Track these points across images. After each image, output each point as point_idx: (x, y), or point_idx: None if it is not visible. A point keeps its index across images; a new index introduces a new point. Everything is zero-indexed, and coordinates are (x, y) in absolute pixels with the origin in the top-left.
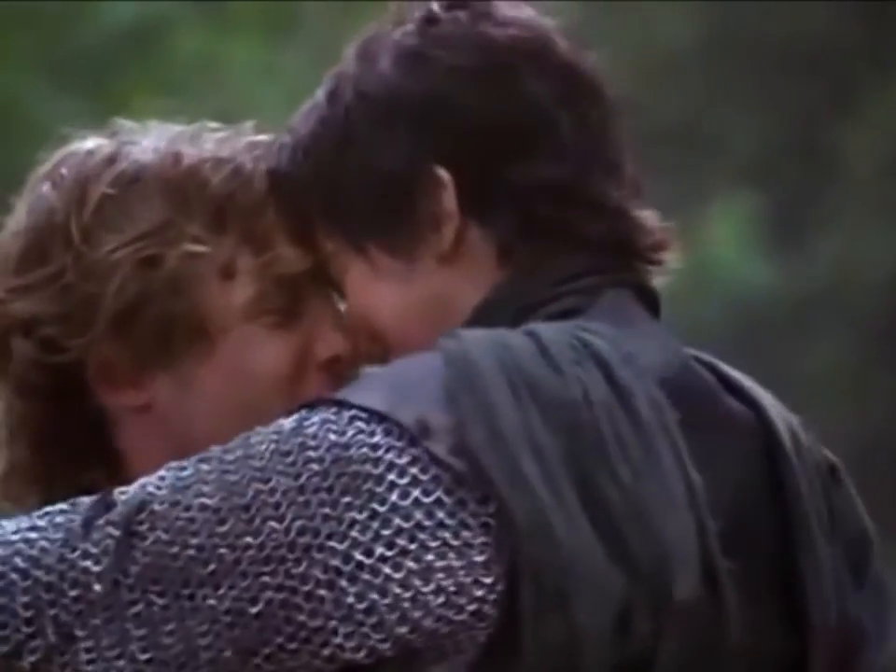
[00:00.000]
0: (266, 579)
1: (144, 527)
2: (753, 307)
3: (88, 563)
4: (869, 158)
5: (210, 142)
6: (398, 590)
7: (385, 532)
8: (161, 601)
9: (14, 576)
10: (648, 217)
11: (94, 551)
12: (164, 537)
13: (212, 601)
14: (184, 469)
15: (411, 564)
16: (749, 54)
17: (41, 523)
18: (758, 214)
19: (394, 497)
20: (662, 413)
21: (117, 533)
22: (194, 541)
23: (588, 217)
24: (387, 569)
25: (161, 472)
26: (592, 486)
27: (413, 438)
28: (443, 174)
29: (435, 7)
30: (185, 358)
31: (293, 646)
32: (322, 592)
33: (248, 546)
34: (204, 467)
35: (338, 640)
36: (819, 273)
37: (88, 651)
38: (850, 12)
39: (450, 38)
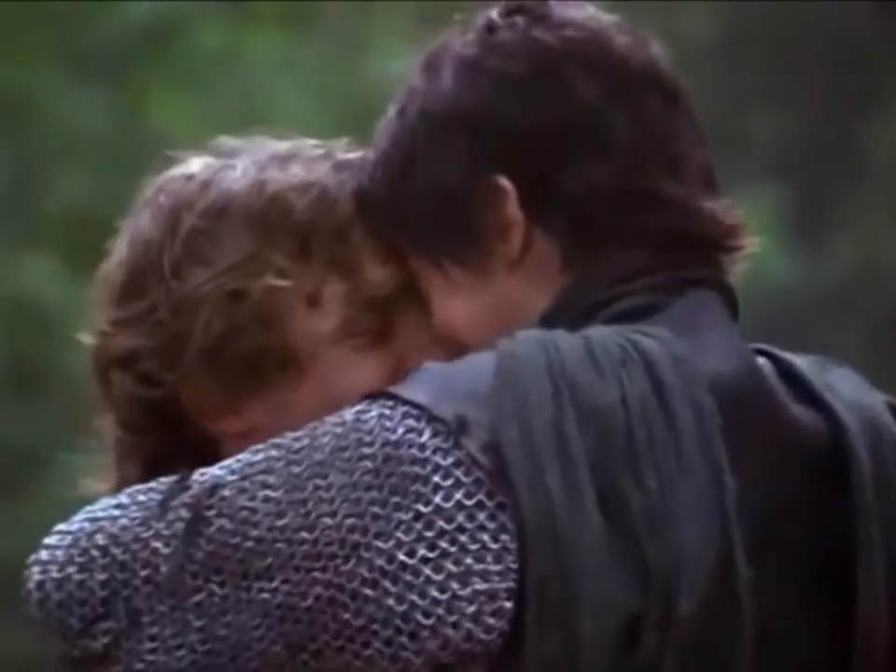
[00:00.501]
0: (317, 574)
1: (211, 513)
2: (775, 302)
3: (158, 544)
4: (892, 154)
5: (300, 164)
6: (435, 593)
7: (428, 534)
8: (220, 591)
9: (95, 553)
10: (717, 206)
11: (166, 532)
12: (228, 526)
13: (266, 594)
14: (257, 452)
15: (451, 567)
16: (771, 50)
17: (125, 500)
18: (780, 209)
19: (437, 498)
20: (703, 418)
21: (187, 516)
22: (254, 533)
23: (646, 214)
24: (427, 571)
25: (239, 456)
26: (615, 492)
27: (459, 440)
28: (505, 182)
29: (494, 14)
30: (277, 386)
31: (338, 643)
32: (366, 591)
33: (303, 541)
34: (274, 453)
35: (377, 644)
36: (841, 268)
37: (151, 638)
38: (875, 8)
39: (506, 47)
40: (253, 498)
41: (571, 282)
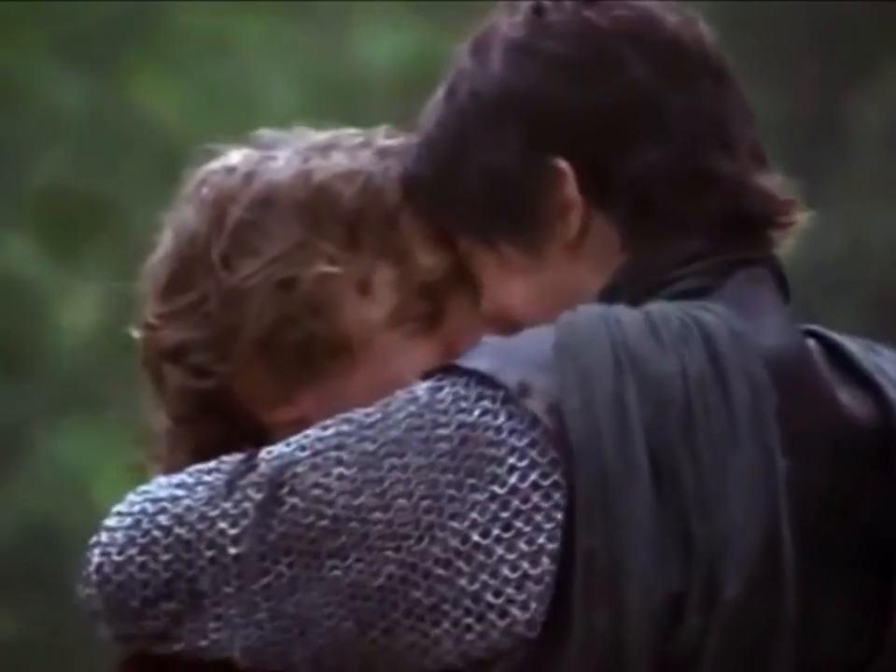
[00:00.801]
0: (390, 553)
1: (283, 491)
2: None
3: (225, 524)
4: (880, 131)
5: (342, 153)
6: (507, 572)
7: (504, 514)
8: (289, 572)
9: (157, 533)
10: (769, 183)
11: (234, 512)
12: (301, 505)
13: (338, 572)
14: (326, 428)
15: (523, 546)
16: (757, 27)
17: (189, 480)
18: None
19: (513, 479)
20: (758, 395)
21: (257, 497)
22: (329, 512)
23: (703, 194)
24: (500, 550)
25: (307, 432)
26: (669, 464)
27: (535, 420)
28: (562, 164)
29: None
30: (329, 374)
31: (408, 622)
32: (439, 570)
33: (378, 521)
34: (346, 428)
35: (446, 625)
36: (828, 247)
37: (216, 618)
38: None
39: (555, 28)
40: (327, 475)
41: (629, 262)
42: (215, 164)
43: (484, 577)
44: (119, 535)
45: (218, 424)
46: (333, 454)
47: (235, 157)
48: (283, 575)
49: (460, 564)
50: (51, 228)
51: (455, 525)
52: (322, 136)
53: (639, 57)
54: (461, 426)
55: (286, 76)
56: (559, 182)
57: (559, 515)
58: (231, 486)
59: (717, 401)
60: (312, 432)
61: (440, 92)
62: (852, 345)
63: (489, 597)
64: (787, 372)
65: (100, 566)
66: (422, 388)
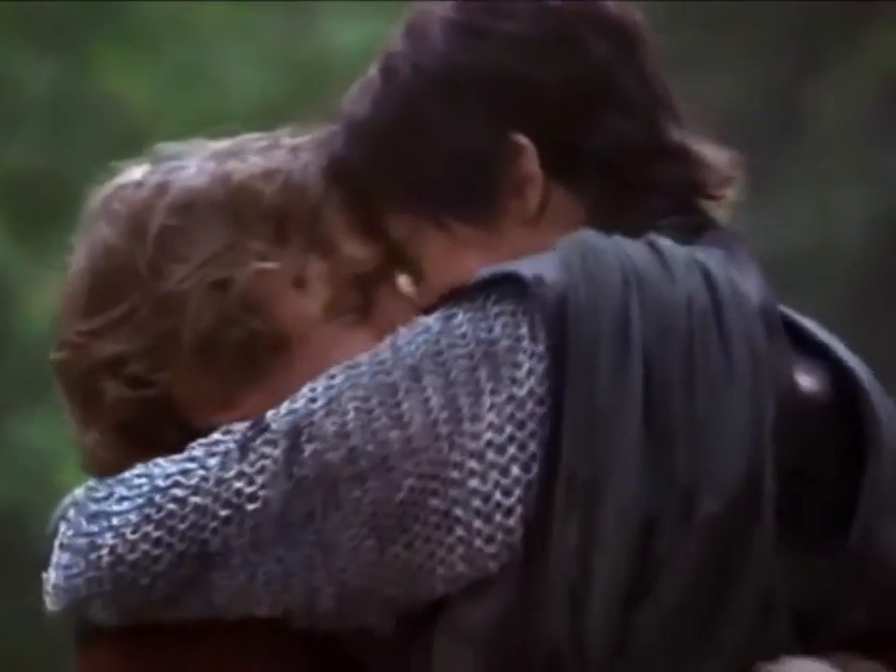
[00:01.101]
0: (409, 467)
1: (302, 439)
2: None
3: (241, 484)
4: (839, 117)
5: (255, 154)
6: (517, 471)
7: (519, 415)
8: (309, 506)
9: (172, 506)
10: (710, 153)
11: (250, 471)
12: (321, 447)
13: (357, 493)
14: (334, 377)
15: (534, 448)
16: (719, 13)
17: (198, 453)
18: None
19: (531, 382)
20: (754, 341)
21: (275, 452)
22: (348, 443)
23: (664, 162)
24: (513, 450)
25: (311, 385)
26: (662, 390)
27: (552, 328)
28: (523, 139)
29: None
30: (271, 372)
31: (426, 532)
32: (454, 474)
33: (396, 440)
34: (356, 371)
35: (459, 531)
36: (795, 231)
37: (232, 570)
38: None
39: (505, 10)
40: (344, 413)
41: (598, 227)
42: (118, 181)
43: (495, 475)
44: (132, 515)
45: (159, 433)
46: (348, 394)
47: (138, 172)
48: (304, 511)
49: (472, 464)
50: (18, 214)
51: (471, 427)
52: (227, 143)
53: (593, 35)
54: (481, 342)
55: (249, 59)
56: (519, 158)
57: None
58: (244, 449)
59: (716, 339)
60: (319, 384)
61: (370, 76)
62: (804, 321)
63: (498, 496)
64: (772, 321)
65: (112, 547)
66: (432, 319)
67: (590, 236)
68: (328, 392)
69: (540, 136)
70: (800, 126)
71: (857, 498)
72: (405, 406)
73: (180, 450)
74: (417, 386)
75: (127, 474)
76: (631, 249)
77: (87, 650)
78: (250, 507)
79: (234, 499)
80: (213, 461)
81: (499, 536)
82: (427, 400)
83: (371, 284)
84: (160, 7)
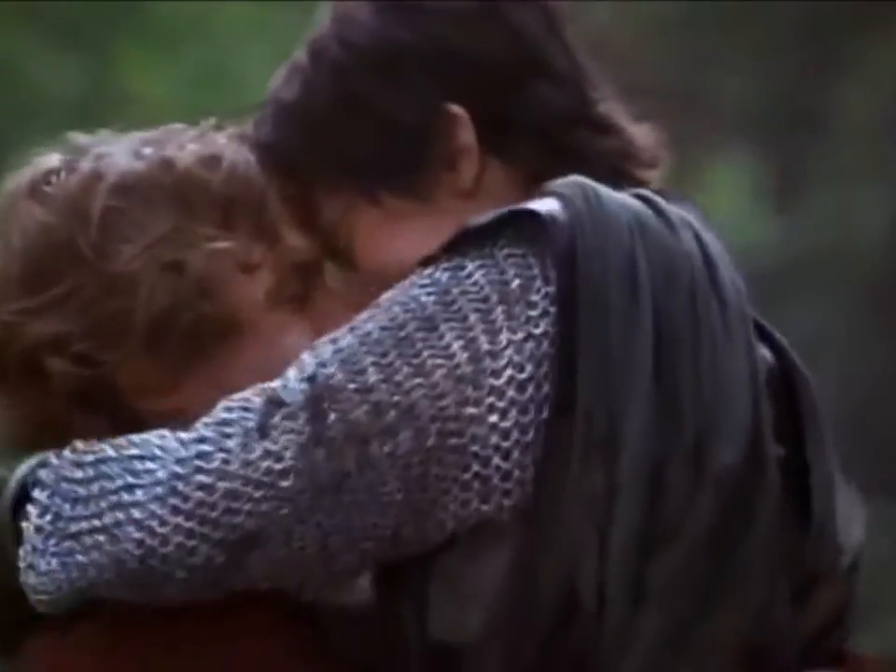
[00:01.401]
0: (434, 412)
1: (324, 406)
2: (750, 265)
3: (269, 462)
4: (865, 115)
5: (190, 142)
6: (534, 410)
7: (538, 352)
8: (344, 469)
9: (200, 494)
10: (637, 130)
11: (275, 448)
12: (345, 407)
13: (388, 448)
14: (337, 341)
15: (547, 388)
16: (745, 11)
17: (209, 433)
18: (755, 172)
19: (546, 322)
20: (740, 296)
21: (297, 424)
22: (372, 398)
23: (598, 135)
24: (531, 390)
25: (311, 354)
26: (669, 341)
27: (562, 269)
28: (459, 110)
29: None
30: (218, 358)
31: (444, 472)
32: (474, 411)
33: (420, 387)
34: (363, 331)
35: (476, 468)
36: (816, 231)
37: (272, 545)
38: None
39: None
40: (363, 372)
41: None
42: (40, 167)
43: (514, 413)
44: (155, 507)
45: (96, 414)
46: (362, 352)
47: (57, 159)
48: (338, 474)
49: (492, 400)
50: None
51: (492, 364)
52: (152, 133)
53: (523, 12)
54: (495, 283)
55: (269, 57)
56: (454, 129)
57: None
58: (263, 428)
59: (713, 296)
60: (321, 350)
61: (296, 59)
62: None
63: (517, 434)
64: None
65: (140, 541)
66: (438, 272)
67: (586, 180)
68: (337, 355)
69: (475, 108)
70: (822, 125)
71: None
72: (425, 354)
73: (92, 436)
74: (434, 335)
75: (111, 452)
76: (626, 197)
77: (77, 624)
78: (283, 483)
79: (265, 479)
80: (232, 442)
81: (516, 472)
82: (447, 346)
83: (308, 276)
84: (181, 7)
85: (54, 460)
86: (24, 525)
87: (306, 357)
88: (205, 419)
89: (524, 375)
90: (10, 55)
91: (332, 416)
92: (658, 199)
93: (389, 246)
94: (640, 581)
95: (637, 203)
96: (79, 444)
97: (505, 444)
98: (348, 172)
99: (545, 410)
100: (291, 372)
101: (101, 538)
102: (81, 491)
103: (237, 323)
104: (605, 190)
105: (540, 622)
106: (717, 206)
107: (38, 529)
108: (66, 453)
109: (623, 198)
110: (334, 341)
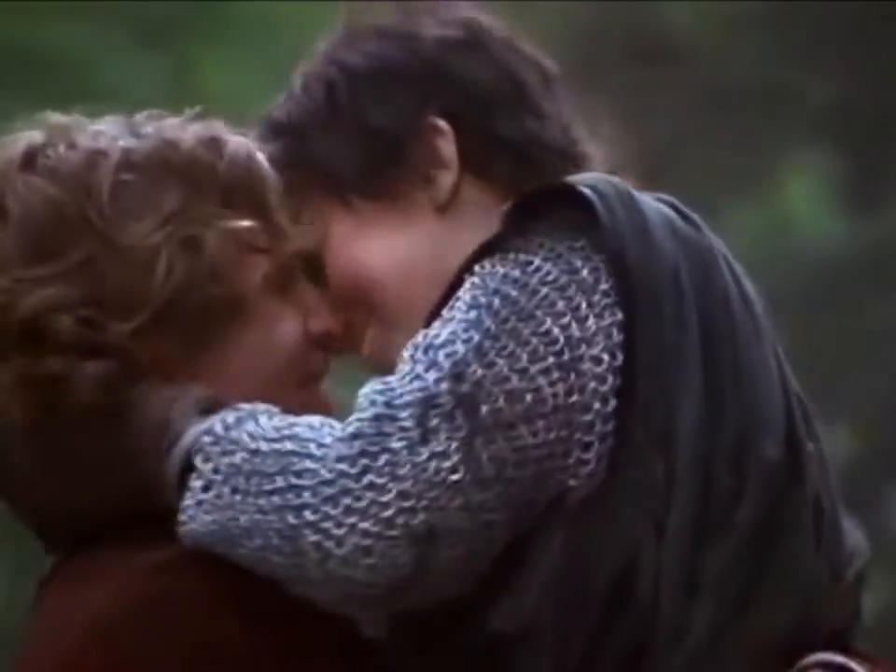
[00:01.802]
0: (550, 399)
1: (478, 400)
2: (829, 264)
3: (436, 462)
4: None
5: (187, 124)
6: (613, 401)
7: (616, 341)
8: (503, 463)
9: (371, 494)
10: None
11: (440, 448)
12: (492, 399)
13: (530, 431)
14: (448, 336)
15: (618, 379)
16: (825, 9)
17: (366, 430)
18: (834, 171)
19: (618, 312)
20: (757, 298)
21: (457, 423)
22: (508, 387)
23: (569, 164)
24: (611, 378)
25: (433, 350)
26: (712, 339)
27: (617, 266)
28: (442, 123)
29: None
30: (224, 338)
31: (559, 463)
32: (575, 398)
33: (540, 372)
34: (477, 328)
35: (577, 453)
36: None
37: (452, 542)
38: None
39: (432, 18)
40: (493, 365)
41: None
42: (34, 140)
43: (597, 405)
44: (328, 508)
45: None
46: (487, 345)
47: (41, 135)
48: (497, 464)
49: (594, 385)
50: None
51: (589, 351)
52: (138, 118)
53: (502, 48)
54: (568, 274)
55: None
56: (436, 139)
57: None
58: (424, 431)
59: (738, 291)
60: (446, 351)
61: (295, 82)
62: None
63: (599, 425)
64: None
65: (317, 544)
66: (507, 269)
67: (613, 178)
68: (469, 353)
69: (459, 125)
70: None
71: None
72: (534, 341)
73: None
74: (533, 322)
75: (264, 446)
76: (650, 197)
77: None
78: (453, 477)
79: (435, 478)
80: (395, 443)
81: (601, 461)
82: (548, 332)
83: (294, 267)
84: (256, 7)
85: (218, 429)
86: (189, 486)
87: (427, 356)
88: (356, 415)
89: (617, 363)
90: (86, 55)
91: (483, 409)
92: (674, 200)
93: (356, 255)
94: (694, 573)
95: (661, 204)
96: (229, 418)
97: (602, 430)
98: (325, 175)
99: (615, 400)
100: (419, 369)
101: (274, 540)
102: (241, 482)
103: (243, 305)
104: (632, 189)
105: (593, 611)
106: (796, 205)
107: (199, 504)
108: (220, 427)
109: (649, 197)
110: (446, 337)
